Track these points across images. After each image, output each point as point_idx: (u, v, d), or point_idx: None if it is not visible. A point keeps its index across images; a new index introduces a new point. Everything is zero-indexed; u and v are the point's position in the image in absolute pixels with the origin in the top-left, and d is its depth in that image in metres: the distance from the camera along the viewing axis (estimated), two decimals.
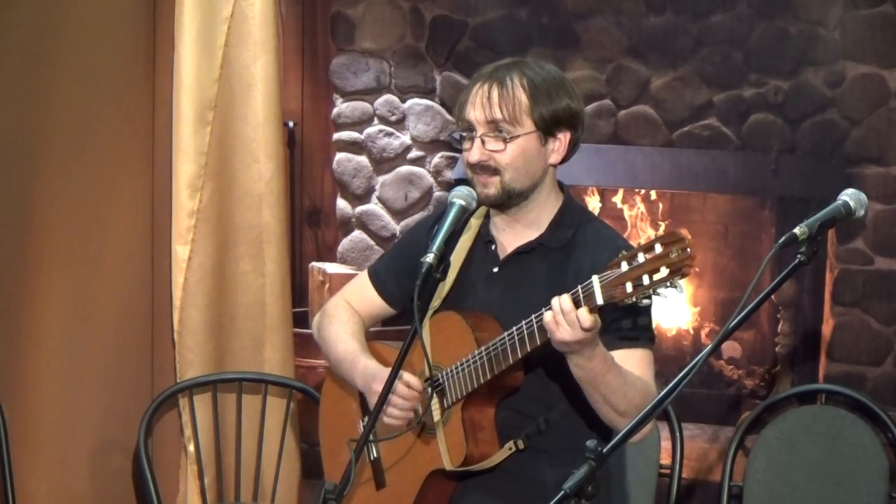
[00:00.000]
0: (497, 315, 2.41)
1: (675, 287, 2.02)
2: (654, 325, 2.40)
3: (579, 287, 2.13)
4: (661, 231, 4.96)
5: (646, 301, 2.07)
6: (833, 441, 3.26)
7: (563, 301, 2.14)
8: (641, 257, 2.04)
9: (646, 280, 2.03)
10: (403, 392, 2.41)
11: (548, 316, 2.16)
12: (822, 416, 3.31)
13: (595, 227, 2.47)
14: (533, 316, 2.23)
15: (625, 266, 2.06)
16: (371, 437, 2.43)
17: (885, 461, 3.23)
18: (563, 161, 2.44)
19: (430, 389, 2.43)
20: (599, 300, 2.10)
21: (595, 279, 2.11)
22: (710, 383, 4.90)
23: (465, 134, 2.41)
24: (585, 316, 2.12)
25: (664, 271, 2.00)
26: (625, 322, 2.32)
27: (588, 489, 1.87)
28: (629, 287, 2.05)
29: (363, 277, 2.72)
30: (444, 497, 2.47)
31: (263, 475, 3.46)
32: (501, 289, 2.45)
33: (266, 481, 3.48)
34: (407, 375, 2.43)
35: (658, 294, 2.04)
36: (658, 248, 2.02)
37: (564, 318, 2.13)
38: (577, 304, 2.13)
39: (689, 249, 1.99)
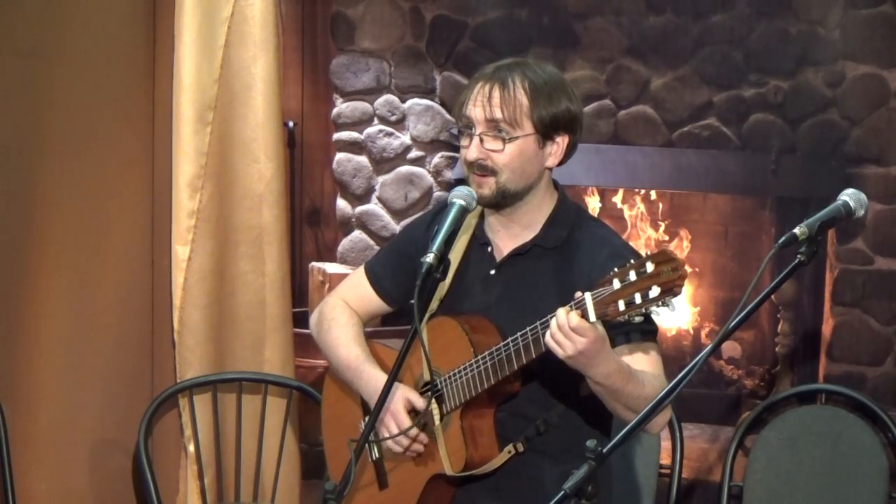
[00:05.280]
0: (495, 318, 2.40)
1: (668, 306, 2.02)
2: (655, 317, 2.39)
3: (572, 304, 2.13)
4: (661, 232, 4.97)
5: (638, 319, 2.08)
6: (833, 441, 3.26)
7: (559, 317, 2.13)
8: (633, 275, 2.05)
9: (638, 299, 2.04)
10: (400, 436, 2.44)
11: (546, 336, 2.16)
12: (822, 416, 3.31)
13: (590, 227, 2.47)
14: (528, 328, 2.22)
15: (617, 284, 2.07)
16: (371, 438, 2.43)
17: (885, 461, 3.23)
18: (560, 164, 2.44)
19: (430, 394, 2.43)
20: (592, 317, 2.11)
21: (588, 296, 2.11)
22: (710, 383, 4.90)
23: (463, 130, 2.41)
24: (574, 317, 2.11)
25: (655, 290, 2.01)
26: (630, 325, 2.31)
27: (588, 489, 1.87)
28: (621, 305, 2.06)
29: (360, 275, 2.71)
30: (445, 500, 2.47)
31: (263, 475, 3.46)
32: (499, 291, 2.45)
33: (266, 481, 3.48)
34: (411, 396, 2.44)
35: (651, 312, 2.05)
36: (650, 267, 2.03)
37: (561, 331, 2.13)
38: None
39: (679, 269, 2.00)
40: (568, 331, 2.11)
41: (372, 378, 2.53)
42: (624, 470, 3.03)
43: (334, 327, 2.65)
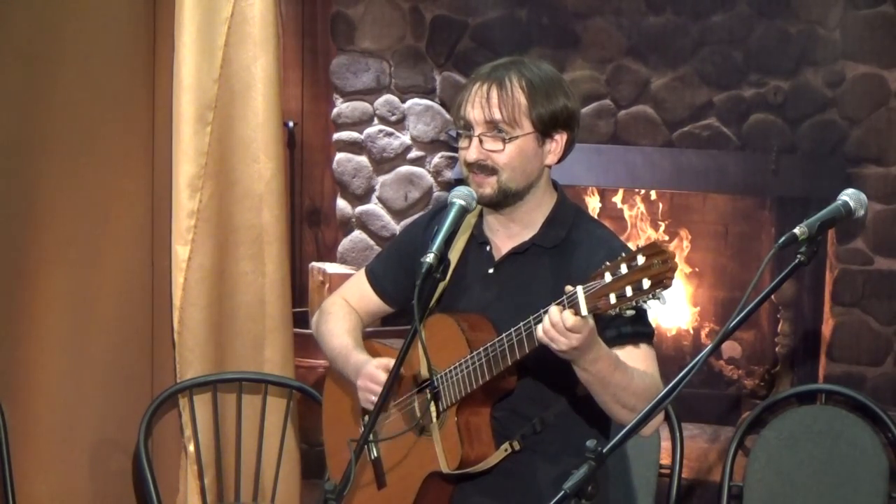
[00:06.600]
0: (492, 317, 2.40)
1: (659, 299, 2.03)
2: (650, 319, 2.39)
3: (564, 298, 2.14)
4: (661, 232, 4.97)
5: (630, 312, 2.08)
6: (833, 441, 3.26)
7: (552, 314, 2.14)
8: (624, 268, 2.05)
9: (629, 292, 2.04)
10: (376, 376, 2.43)
11: (539, 331, 2.16)
12: (822, 416, 3.31)
13: (589, 227, 2.47)
14: (521, 324, 2.23)
15: (608, 277, 2.07)
16: (371, 437, 2.44)
17: (885, 461, 3.23)
18: (559, 161, 2.44)
19: (428, 392, 2.44)
20: (584, 311, 2.11)
21: (579, 290, 2.11)
22: (710, 383, 4.91)
23: (462, 132, 2.41)
24: (569, 317, 2.12)
25: (646, 283, 2.02)
26: (622, 321, 2.31)
27: (588, 489, 1.88)
28: (612, 298, 2.06)
29: (361, 276, 2.73)
30: (443, 498, 2.47)
31: (263, 475, 3.46)
32: (496, 290, 2.45)
33: (266, 481, 3.48)
34: (383, 360, 2.45)
35: (642, 306, 2.06)
36: (640, 260, 2.03)
37: (555, 329, 2.14)
38: None
39: (669, 262, 2.00)
40: (562, 328, 2.12)
41: (357, 363, 2.53)
42: (620, 470, 3.03)
43: (330, 320, 2.68)
